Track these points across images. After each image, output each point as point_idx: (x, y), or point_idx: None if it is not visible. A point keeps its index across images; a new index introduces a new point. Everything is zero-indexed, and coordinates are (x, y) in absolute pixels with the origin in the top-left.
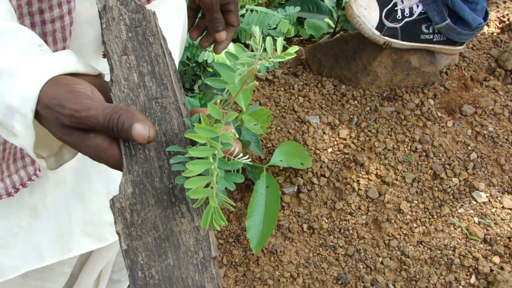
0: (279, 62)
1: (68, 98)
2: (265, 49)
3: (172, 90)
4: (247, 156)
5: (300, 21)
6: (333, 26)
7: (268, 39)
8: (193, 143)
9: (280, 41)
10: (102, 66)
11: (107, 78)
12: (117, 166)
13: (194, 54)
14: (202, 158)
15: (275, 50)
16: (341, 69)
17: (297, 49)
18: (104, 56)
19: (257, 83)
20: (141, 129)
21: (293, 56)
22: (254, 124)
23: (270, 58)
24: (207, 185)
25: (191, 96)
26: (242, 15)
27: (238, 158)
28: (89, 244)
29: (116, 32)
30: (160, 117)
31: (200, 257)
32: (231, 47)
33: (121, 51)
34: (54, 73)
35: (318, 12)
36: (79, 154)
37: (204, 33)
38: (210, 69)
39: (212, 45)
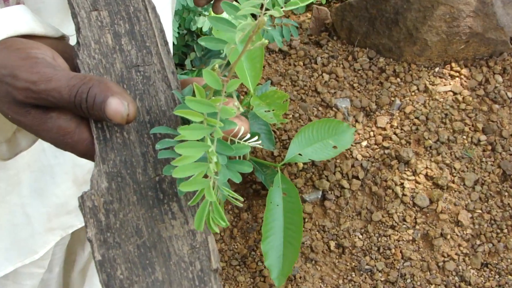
0: (297, 28)
1: (22, 66)
2: None
3: (158, 55)
4: (256, 138)
5: None
6: None
7: None
8: (186, 122)
9: None
10: (69, 30)
11: (73, 41)
12: (87, 153)
13: (184, 19)
14: (197, 140)
15: None
16: (378, 36)
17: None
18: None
19: (266, 41)
20: (118, 105)
21: (310, 1)
22: (266, 111)
23: (281, 8)
24: (205, 176)
25: (182, 74)
26: None
27: (245, 141)
28: (53, 238)
29: None
30: (143, 90)
31: (197, 269)
32: None
33: (90, 5)
34: (3, 34)
35: None
36: (38, 142)
37: None
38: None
39: (211, 3)
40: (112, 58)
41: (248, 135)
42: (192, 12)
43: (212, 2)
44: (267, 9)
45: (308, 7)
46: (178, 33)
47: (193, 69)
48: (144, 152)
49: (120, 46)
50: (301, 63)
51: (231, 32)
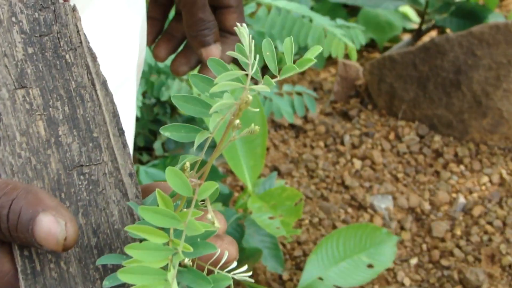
0: (315, 99)
1: None
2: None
3: (109, 150)
4: (245, 268)
5: (351, 10)
6: (417, 20)
7: (266, 43)
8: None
9: (315, 50)
10: None
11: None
12: None
13: (152, 85)
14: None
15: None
16: (432, 104)
17: (319, 53)
18: None
19: (257, 128)
20: (52, 225)
21: (311, 63)
22: (270, 218)
23: (275, 78)
24: None
25: (149, 164)
26: (252, 14)
27: (228, 271)
28: None
29: (4, 47)
30: (88, 200)
31: None
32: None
33: (15, 81)
34: None
35: None
36: None
37: (179, 49)
38: (184, 113)
39: (195, 71)
40: (45, 156)
41: (234, 264)
42: (163, 75)
43: (195, 69)
44: (253, 80)
45: (331, 60)
46: (143, 103)
47: (166, 155)
48: None
49: (57, 139)
50: (321, 143)
51: (203, 115)
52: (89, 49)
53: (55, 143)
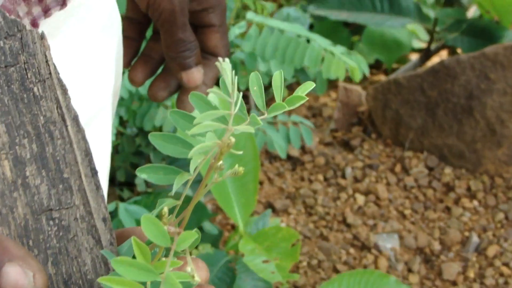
0: (312, 128)
1: None
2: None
3: (81, 192)
4: None
5: (354, 29)
6: (426, 39)
7: (254, 77)
8: None
9: (307, 87)
10: None
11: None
12: None
13: (134, 114)
14: None
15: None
16: (442, 133)
17: (311, 89)
18: None
19: (241, 170)
20: (19, 276)
21: (302, 101)
22: (264, 262)
23: (262, 115)
24: None
25: (130, 200)
26: (242, 35)
27: None
28: None
29: None
30: (58, 248)
31: None
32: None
33: None
34: None
35: (392, 11)
36: None
37: (157, 72)
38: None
39: (175, 96)
40: (11, 199)
41: None
42: (145, 102)
43: (175, 94)
44: (238, 117)
45: (331, 84)
46: (124, 134)
47: (149, 191)
48: None
49: (24, 180)
50: (320, 176)
51: (183, 155)
52: (59, 80)
53: (22, 184)
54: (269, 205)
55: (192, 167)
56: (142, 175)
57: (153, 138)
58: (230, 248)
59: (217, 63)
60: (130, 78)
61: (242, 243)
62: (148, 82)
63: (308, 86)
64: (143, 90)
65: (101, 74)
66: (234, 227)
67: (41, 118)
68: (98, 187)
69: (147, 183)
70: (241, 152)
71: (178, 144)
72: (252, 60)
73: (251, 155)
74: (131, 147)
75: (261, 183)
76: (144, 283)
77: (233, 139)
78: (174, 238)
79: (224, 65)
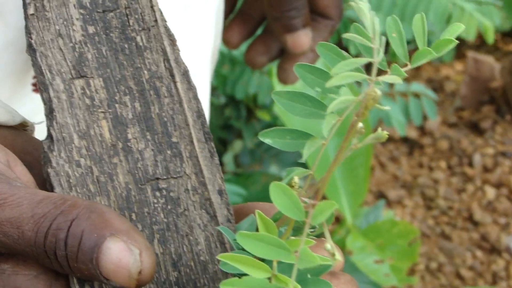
0: (435, 102)
1: None
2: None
3: (193, 159)
4: None
5: None
6: None
7: (392, 21)
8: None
9: (456, 29)
10: (28, 107)
11: (41, 132)
12: None
13: (224, 79)
14: None
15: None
16: None
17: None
18: (35, 86)
19: (385, 134)
20: (123, 254)
21: (451, 46)
22: (376, 262)
23: (404, 66)
24: None
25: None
26: None
27: None
28: None
29: (59, 25)
30: (166, 224)
31: None
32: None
33: (71, 69)
34: None
35: None
36: None
37: (255, 34)
38: (264, 115)
39: (275, 63)
40: (110, 166)
41: None
42: (238, 66)
43: (276, 61)
44: (380, 71)
45: (459, 50)
46: (211, 103)
47: (238, 172)
48: None
49: (126, 144)
50: (443, 163)
51: (314, 116)
52: (166, 29)
53: (123, 149)
54: (381, 195)
55: (325, 129)
56: (266, 139)
57: (277, 96)
58: (336, 240)
59: (352, 2)
60: (225, 39)
61: (350, 238)
62: (244, 45)
63: (456, 29)
64: (236, 51)
65: (200, 30)
66: (339, 220)
67: (145, 72)
68: (212, 154)
69: (236, 163)
70: (388, 108)
71: (308, 103)
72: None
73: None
74: (219, 119)
75: (372, 169)
76: (269, 264)
77: (378, 92)
78: (309, 211)
79: (361, 5)
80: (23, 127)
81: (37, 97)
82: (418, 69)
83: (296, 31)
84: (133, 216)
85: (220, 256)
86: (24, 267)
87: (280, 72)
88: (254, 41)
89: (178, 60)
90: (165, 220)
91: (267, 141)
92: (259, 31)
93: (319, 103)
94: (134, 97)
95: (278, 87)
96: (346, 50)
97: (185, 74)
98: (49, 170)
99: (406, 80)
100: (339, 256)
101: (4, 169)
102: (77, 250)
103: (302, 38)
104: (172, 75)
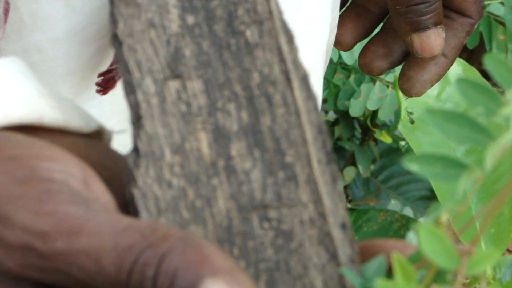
0: None
1: (20, 197)
2: None
3: (311, 185)
4: None
5: None
6: None
7: None
8: None
9: None
10: (96, 112)
11: (121, 144)
12: None
13: (336, 93)
14: None
15: None
16: None
17: None
18: (101, 87)
19: None
20: None
21: None
22: None
23: None
24: None
25: None
26: None
27: None
28: None
29: (151, 13)
30: (275, 262)
31: None
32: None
33: (165, 67)
34: None
35: None
36: None
37: (374, 33)
38: (384, 137)
39: (398, 69)
40: (209, 188)
41: None
42: (354, 74)
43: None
44: None
45: None
46: None
47: (349, 207)
48: None
49: (228, 162)
50: None
51: (474, 142)
52: (283, 23)
53: (225, 168)
54: None
55: (488, 160)
56: (412, 165)
57: (430, 114)
58: None
59: None
60: (338, 38)
61: None
62: (358, 46)
63: None
64: (348, 56)
65: (314, 24)
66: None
67: (256, 75)
68: (335, 179)
69: (347, 194)
70: None
71: (467, 126)
72: None
73: (509, 164)
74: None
75: None
76: None
77: None
78: (463, 258)
79: None
80: (100, 136)
81: (106, 99)
82: None
83: (425, 30)
84: (235, 251)
85: None
86: None
87: (402, 80)
88: (370, 41)
89: (296, 62)
90: (275, 257)
91: (413, 167)
92: (377, 30)
93: (481, 129)
94: (240, 105)
95: (406, 102)
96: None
97: (304, 79)
98: (134, 190)
99: None
100: None
101: (80, 188)
102: None
103: (432, 39)
104: (289, 80)
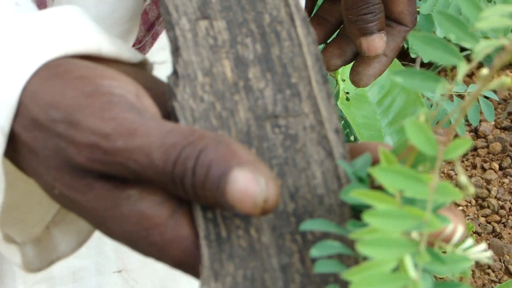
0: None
1: (87, 107)
2: None
3: (311, 99)
4: (483, 247)
5: None
6: None
7: None
8: (358, 216)
9: None
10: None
11: (163, 70)
12: (185, 262)
13: None
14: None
15: None
16: None
17: None
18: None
19: (510, 81)
20: (250, 183)
21: None
22: None
23: None
24: None
25: None
26: None
27: (465, 249)
28: None
29: None
30: (284, 158)
31: None
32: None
33: (197, 10)
34: (52, 52)
35: None
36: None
37: (331, 37)
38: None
39: (349, 66)
40: (232, 102)
41: (470, 242)
42: None
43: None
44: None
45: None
46: None
47: None
48: (286, 265)
49: (247, 82)
50: (495, 164)
51: (446, 61)
52: None
53: (244, 87)
54: None
55: (460, 74)
56: (397, 78)
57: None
58: None
59: None
60: None
61: None
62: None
63: None
64: None
65: None
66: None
67: (267, 16)
68: (329, 95)
69: None
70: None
71: (441, 48)
72: (428, 24)
73: None
74: None
75: None
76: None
77: None
78: (441, 146)
79: None
80: (144, 66)
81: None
82: (470, 75)
83: (371, 34)
84: (253, 150)
85: (354, 193)
86: (149, 193)
87: (353, 74)
88: (328, 44)
89: (299, 6)
90: (284, 155)
91: (398, 79)
92: (333, 35)
93: (451, 50)
94: (255, 39)
95: (343, 84)
96: (408, 55)
97: (304, 19)
98: (175, 104)
99: (463, 82)
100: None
101: (134, 101)
102: (204, 178)
103: (376, 42)
104: (292, 20)
